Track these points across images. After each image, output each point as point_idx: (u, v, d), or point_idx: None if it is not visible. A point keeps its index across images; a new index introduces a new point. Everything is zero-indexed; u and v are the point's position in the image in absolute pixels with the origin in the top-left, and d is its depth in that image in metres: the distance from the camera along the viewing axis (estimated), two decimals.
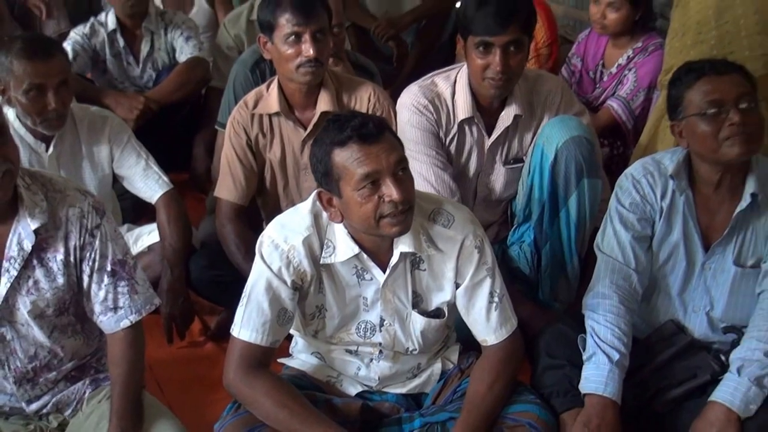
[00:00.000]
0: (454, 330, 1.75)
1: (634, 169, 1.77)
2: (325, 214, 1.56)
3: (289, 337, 1.74)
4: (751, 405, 1.60)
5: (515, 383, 1.67)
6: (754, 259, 1.72)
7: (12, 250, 1.41)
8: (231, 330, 1.60)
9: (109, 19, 2.87)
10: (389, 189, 1.44)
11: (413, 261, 1.60)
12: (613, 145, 2.75)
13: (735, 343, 1.72)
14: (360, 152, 1.46)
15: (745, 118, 1.59)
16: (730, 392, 1.60)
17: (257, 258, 1.58)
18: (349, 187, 1.47)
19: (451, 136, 2.04)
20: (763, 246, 1.72)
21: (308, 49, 1.93)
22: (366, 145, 1.47)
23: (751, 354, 1.64)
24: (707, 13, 2.13)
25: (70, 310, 1.53)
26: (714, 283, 1.75)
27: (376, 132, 1.48)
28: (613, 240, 1.75)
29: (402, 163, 1.49)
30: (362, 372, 1.68)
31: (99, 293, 1.50)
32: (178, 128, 2.87)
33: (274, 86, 2.07)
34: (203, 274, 2.12)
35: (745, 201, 1.66)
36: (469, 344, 1.73)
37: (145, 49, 2.92)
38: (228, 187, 2.11)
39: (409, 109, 2.01)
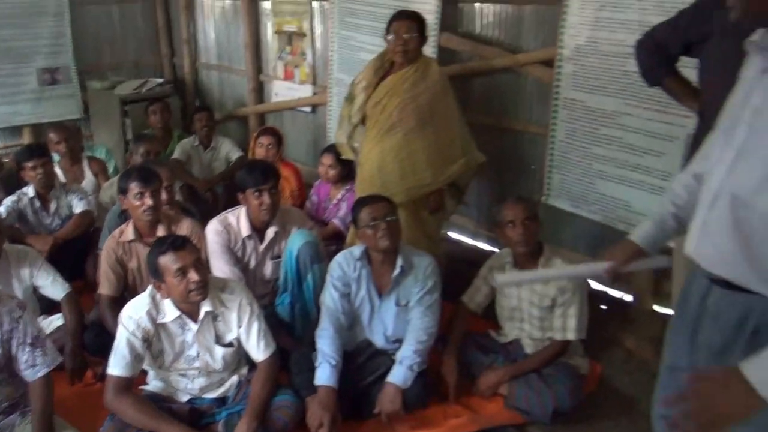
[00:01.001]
0: (243, 356, 2.59)
1: (339, 257, 2.78)
2: (158, 294, 2.42)
3: (144, 372, 2.55)
4: (408, 381, 2.59)
5: (278, 384, 2.56)
6: (405, 301, 2.73)
7: None
8: (107, 370, 2.42)
9: (29, 190, 3.73)
10: (192, 275, 2.31)
11: (213, 315, 2.45)
12: (337, 245, 3.56)
13: (398, 349, 2.69)
14: (173, 256, 2.31)
15: (388, 226, 2.64)
16: (397, 376, 2.59)
17: (120, 325, 2.40)
18: (169, 276, 2.32)
19: (238, 247, 3.02)
20: (409, 294, 2.73)
21: (148, 201, 2.91)
22: (177, 251, 2.32)
23: (406, 353, 2.64)
24: (373, 170, 3.17)
25: (4, 370, 2.22)
26: (386, 316, 2.76)
27: (181, 244, 2.35)
28: (329, 297, 2.72)
29: (199, 260, 2.34)
30: (189, 386, 2.52)
31: (23, 357, 2.19)
32: (76, 252, 3.67)
33: (131, 224, 3.00)
34: (92, 341, 2.87)
35: (398, 270, 2.70)
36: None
37: (53, 207, 3.78)
38: (105, 286, 2.94)
39: (211, 233, 3.00)
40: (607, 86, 3.13)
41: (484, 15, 3.78)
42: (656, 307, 3.27)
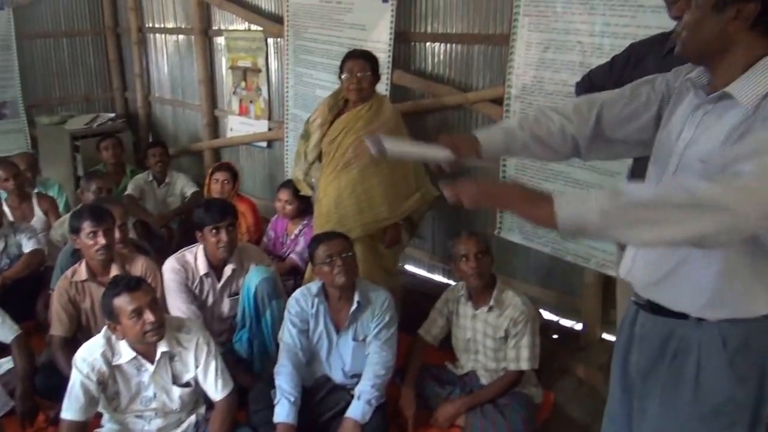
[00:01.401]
0: (201, 396, 2.58)
1: (297, 293, 2.81)
2: (113, 335, 2.40)
3: (99, 414, 2.51)
4: (366, 416, 2.60)
5: (236, 422, 2.57)
6: (363, 335, 2.77)
7: None
8: (61, 414, 2.38)
9: None
10: (148, 315, 2.31)
11: (170, 355, 2.45)
12: (295, 280, 3.64)
13: (357, 383, 2.71)
14: (128, 297, 2.31)
15: (344, 262, 2.69)
16: (355, 411, 2.60)
17: (74, 367, 2.36)
18: (124, 317, 2.31)
19: (195, 284, 3.02)
20: (367, 329, 2.76)
21: (101, 240, 2.88)
22: (131, 292, 2.32)
23: (365, 388, 2.65)
24: (330, 206, 3.22)
25: None
26: (344, 352, 2.78)
27: (135, 285, 2.35)
28: (288, 334, 2.74)
29: (154, 300, 2.36)
30: (146, 427, 2.51)
31: None
32: (25, 293, 3.57)
33: (83, 263, 2.96)
34: (43, 383, 2.81)
35: (355, 305, 2.73)
36: None
37: (1, 246, 3.69)
38: (57, 327, 2.89)
39: (168, 271, 3.00)
40: None
41: (436, 54, 3.90)
42: (605, 335, 3.39)
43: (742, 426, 1.50)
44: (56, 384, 2.65)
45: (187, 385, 2.53)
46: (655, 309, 1.58)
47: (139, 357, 2.44)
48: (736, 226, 1.22)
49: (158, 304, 2.43)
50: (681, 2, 1.42)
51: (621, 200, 1.27)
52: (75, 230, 2.95)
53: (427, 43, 3.92)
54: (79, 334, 2.97)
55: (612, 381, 1.80)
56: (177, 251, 3.18)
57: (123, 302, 2.34)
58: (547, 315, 3.65)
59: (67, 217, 3.87)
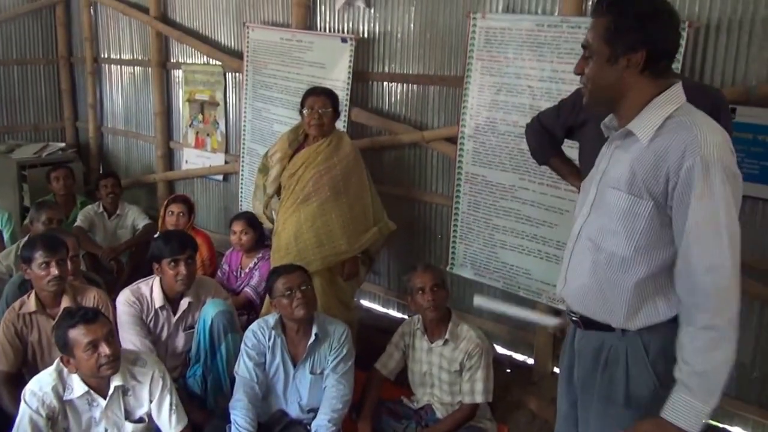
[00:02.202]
0: (154, 430, 2.51)
1: (254, 325, 2.80)
2: (66, 369, 2.34)
3: None
4: None
5: None
6: (320, 368, 2.77)
7: None
8: None
9: None
10: (104, 348, 2.26)
11: (123, 390, 2.41)
12: (249, 314, 3.60)
13: (313, 418, 2.72)
14: (84, 329, 2.26)
15: (304, 295, 2.69)
16: None
17: (22, 402, 2.32)
18: (79, 350, 2.26)
19: (150, 317, 2.98)
20: (324, 362, 2.77)
21: (54, 271, 2.81)
22: (88, 324, 2.27)
23: (321, 422, 2.68)
24: (290, 239, 3.25)
25: None
26: (301, 385, 2.78)
27: (93, 317, 2.30)
28: (244, 367, 2.72)
29: (111, 333, 2.32)
30: None
31: None
32: None
33: (33, 295, 2.87)
34: None
35: (313, 338, 2.74)
36: None
37: None
38: (1, 362, 2.77)
39: (123, 304, 2.95)
40: (504, 162, 3.39)
41: (393, 93, 4.01)
42: (556, 369, 3.47)
43: None
44: None
45: (139, 420, 2.48)
46: (586, 323, 1.75)
47: (92, 392, 2.39)
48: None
49: (114, 337, 2.40)
50: (580, 60, 1.67)
51: (700, 392, 1.50)
52: (27, 260, 2.87)
53: (385, 83, 4.03)
54: (24, 369, 2.88)
55: (558, 398, 1.93)
56: (126, 285, 3.14)
57: (78, 334, 2.28)
58: (500, 350, 3.72)
59: (13, 248, 3.82)
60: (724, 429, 3.08)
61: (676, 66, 2.70)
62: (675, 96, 1.58)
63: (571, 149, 2.70)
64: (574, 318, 1.80)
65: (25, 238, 3.44)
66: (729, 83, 2.83)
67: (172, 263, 2.94)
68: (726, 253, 1.47)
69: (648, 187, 1.55)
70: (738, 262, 1.49)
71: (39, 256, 2.84)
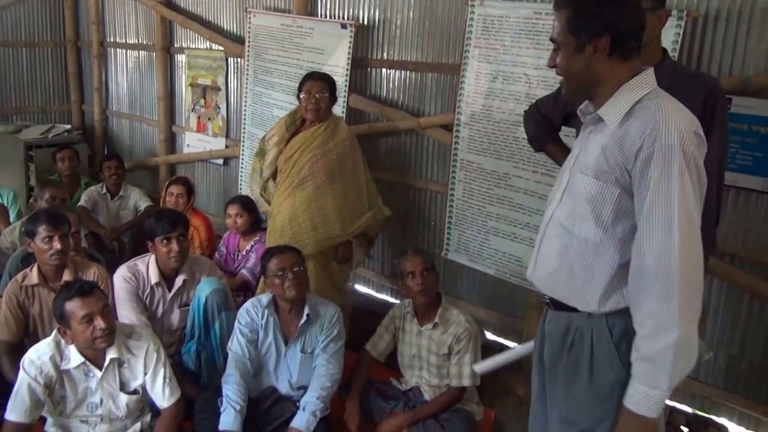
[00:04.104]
0: (148, 403, 2.60)
1: (248, 304, 2.85)
2: (63, 340, 2.41)
3: (43, 418, 2.48)
4: (311, 427, 2.64)
5: (182, 429, 2.59)
6: (311, 348, 2.82)
7: None
8: (5, 416, 2.35)
9: None
10: (98, 321, 2.33)
11: (119, 362, 2.46)
12: (245, 296, 3.59)
13: (303, 395, 2.75)
14: (80, 302, 2.32)
15: (295, 276, 2.73)
16: (300, 421, 2.65)
17: (21, 370, 2.37)
18: (75, 322, 2.33)
19: (146, 294, 3.03)
20: (315, 342, 2.82)
21: (57, 245, 2.88)
22: (84, 297, 2.33)
23: (310, 399, 2.70)
24: (285, 222, 3.29)
25: None
26: (291, 363, 2.82)
27: (88, 290, 2.36)
28: (237, 343, 2.77)
29: (106, 307, 2.38)
30: None
31: None
32: None
33: (35, 268, 2.94)
34: None
35: (304, 318, 2.78)
36: None
37: None
38: (4, 331, 2.87)
39: (120, 279, 3.01)
40: (499, 150, 3.43)
41: (390, 80, 4.06)
42: None
43: None
44: (0, 388, 2.62)
45: (134, 392, 2.54)
46: (556, 305, 1.79)
47: (88, 363, 2.45)
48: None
49: (110, 311, 2.45)
50: (551, 54, 1.72)
51: (648, 378, 1.52)
52: (30, 234, 2.94)
53: (383, 70, 4.07)
54: (26, 340, 2.95)
55: (533, 379, 1.97)
56: None
57: (74, 307, 2.35)
58: (490, 336, 3.77)
59: (18, 224, 3.89)
60: (710, 419, 3.13)
61: (673, 55, 2.73)
62: (645, 81, 1.60)
63: (568, 137, 2.74)
64: (545, 300, 1.84)
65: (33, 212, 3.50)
66: (726, 74, 2.84)
67: (165, 240, 2.99)
68: (674, 243, 1.47)
69: (615, 172, 1.58)
70: (693, 251, 1.50)
71: (42, 231, 2.90)
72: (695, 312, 1.52)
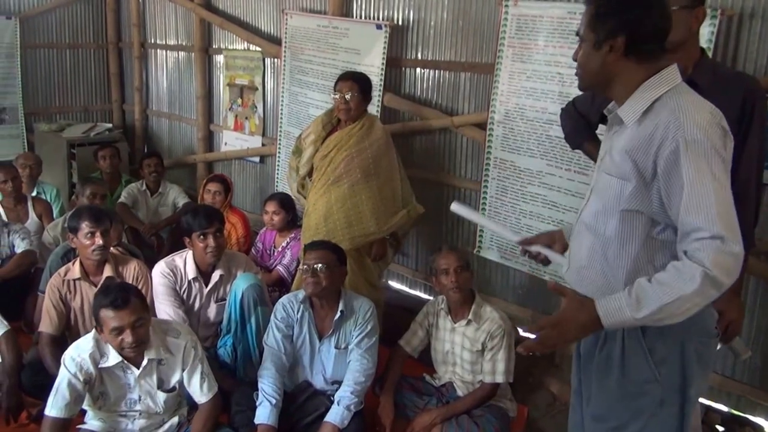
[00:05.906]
0: (184, 397, 2.64)
1: (284, 299, 2.89)
2: (102, 338, 2.45)
3: (83, 411, 2.54)
4: (345, 421, 2.67)
5: (218, 423, 2.63)
6: (345, 344, 2.86)
7: None
8: (45, 410, 2.40)
9: None
10: (127, 335, 2.34)
11: (157, 361, 2.48)
12: (280, 292, 3.66)
13: (337, 390, 2.79)
14: (112, 314, 2.33)
15: (313, 273, 2.75)
16: (334, 415, 2.69)
17: (62, 366, 2.41)
18: (106, 330, 2.36)
19: (183, 289, 3.10)
20: (349, 337, 2.85)
21: (99, 241, 2.96)
22: (116, 310, 2.33)
23: (344, 393, 2.74)
24: (319, 219, 3.34)
25: None
26: (326, 358, 2.86)
27: (123, 303, 2.32)
28: (272, 338, 2.82)
29: (139, 321, 2.34)
30: (129, 427, 2.55)
31: None
32: (16, 292, 3.60)
33: (77, 262, 3.03)
34: (29, 380, 2.85)
35: (338, 314, 2.82)
36: None
37: None
38: (47, 324, 2.93)
39: (158, 275, 3.07)
40: (533, 149, 3.42)
41: (425, 79, 4.07)
42: None
43: (671, 405, 1.68)
44: (41, 382, 2.69)
45: (172, 389, 2.57)
46: None
47: (125, 362, 2.47)
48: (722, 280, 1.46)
49: (144, 323, 2.42)
50: (577, 48, 1.72)
51: (644, 310, 1.48)
52: (73, 229, 3.02)
53: (417, 69, 4.09)
54: (67, 333, 3.02)
55: (572, 375, 1.98)
56: None
57: (106, 317, 2.36)
58: (523, 333, 3.75)
59: (60, 220, 4.01)
60: (746, 418, 3.08)
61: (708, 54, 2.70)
62: (665, 79, 1.60)
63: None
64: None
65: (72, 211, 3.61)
66: (762, 72, 2.80)
67: (201, 236, 3.04)
68: (719, 224, 1.45)
69: (638, 171, 1.57)
70: (733, 228, 1.47)
71: (85, 226, 2.98)
72: (718, 292, 1.48)
